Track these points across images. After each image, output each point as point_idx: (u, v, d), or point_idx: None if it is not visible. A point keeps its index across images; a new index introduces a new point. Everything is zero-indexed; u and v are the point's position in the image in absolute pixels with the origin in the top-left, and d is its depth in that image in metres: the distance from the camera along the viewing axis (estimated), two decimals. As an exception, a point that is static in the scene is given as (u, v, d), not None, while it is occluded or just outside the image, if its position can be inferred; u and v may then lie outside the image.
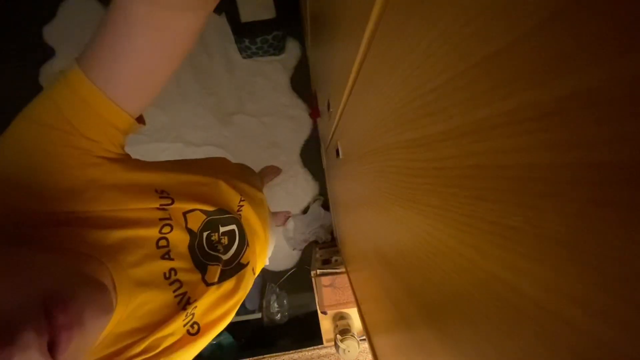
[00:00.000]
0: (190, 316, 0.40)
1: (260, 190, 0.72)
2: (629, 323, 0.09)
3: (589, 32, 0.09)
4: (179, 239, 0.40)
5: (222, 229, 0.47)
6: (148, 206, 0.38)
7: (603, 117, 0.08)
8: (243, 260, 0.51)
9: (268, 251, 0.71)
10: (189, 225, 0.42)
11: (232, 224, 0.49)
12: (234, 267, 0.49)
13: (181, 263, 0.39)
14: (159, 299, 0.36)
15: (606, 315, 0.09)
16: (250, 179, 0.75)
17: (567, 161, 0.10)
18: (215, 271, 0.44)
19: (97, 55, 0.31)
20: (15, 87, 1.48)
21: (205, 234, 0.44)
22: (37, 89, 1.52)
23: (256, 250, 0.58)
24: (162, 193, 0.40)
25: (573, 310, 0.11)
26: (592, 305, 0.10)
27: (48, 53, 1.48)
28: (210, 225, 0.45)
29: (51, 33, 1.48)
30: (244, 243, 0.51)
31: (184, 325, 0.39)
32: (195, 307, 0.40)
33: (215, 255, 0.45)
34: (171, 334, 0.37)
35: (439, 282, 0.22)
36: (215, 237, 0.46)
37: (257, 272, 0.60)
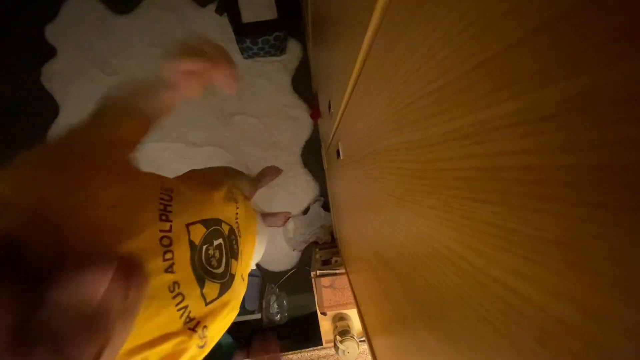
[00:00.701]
0: (203, 332, 0.41)
1: (246, 193, 0.73)
2: (630, 326, 0.09)
3: (590, 34, 0.09)
4: (182, 251, 0.41)
5: (215, 243, 0.48)
6: (153, 204, 0.39)
7: (604, 119, 0.08)
8: (232, 272, 0.52)
9: (256, 255, 0.72)
10: (192, 238, 0.43)
11: (220, 237, 0.50)
12: (229, 279, 0.50)
13: (183, 276, 0.40)
14: (163, 312, 0.36)
15: (606, 318, 0.09)
16: (238, 182, 0.76)
17: (568, 163, 0.10)
18: (213, 287, 0.45)
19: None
20: (16, 86, 1.48)
21: (204, 247, 0.45)
22: (38, 88, 1.51)
23: (244, 257, 0.59)
24: (166, 190, 0.41)
25: (574, 313, 0.10)
26: (592, 308, 0.10)
27: (50, 53, 1.48)
28: (209, 238, 0.46)
29: (53, 32, 1.48)
30: (230, 255, 0.52)
31: (194, 339, 0.40)
32: (207, 328, 0.41)
33: (211, 270, 0.46)
34: (183, 349, 0.38)
35: (439, 284, 0.22)
36: (211, 251, 0.47)
37: (246, 278, 0.61)
